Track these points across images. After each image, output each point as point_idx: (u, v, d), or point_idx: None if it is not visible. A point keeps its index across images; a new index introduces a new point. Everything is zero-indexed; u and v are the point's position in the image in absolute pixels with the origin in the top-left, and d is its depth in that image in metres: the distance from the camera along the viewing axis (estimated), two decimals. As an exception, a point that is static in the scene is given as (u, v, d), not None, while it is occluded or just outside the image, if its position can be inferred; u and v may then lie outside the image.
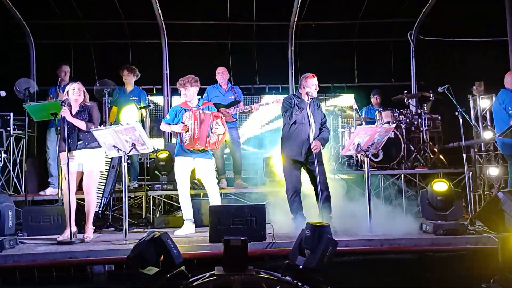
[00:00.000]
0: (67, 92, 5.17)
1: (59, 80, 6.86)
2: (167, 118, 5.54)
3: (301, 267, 3.33)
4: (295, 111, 5.29)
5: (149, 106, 6.65)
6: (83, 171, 5.14)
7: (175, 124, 5.37)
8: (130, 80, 6.98)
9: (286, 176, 5.46)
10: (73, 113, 5.13)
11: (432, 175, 6.84)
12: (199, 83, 5.51)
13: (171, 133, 8.99)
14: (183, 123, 5.31)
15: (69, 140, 5.01)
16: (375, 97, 8.20)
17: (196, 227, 5.47)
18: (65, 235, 4.98)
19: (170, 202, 6.89)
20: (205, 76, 6.35)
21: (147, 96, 9.08)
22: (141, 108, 6.57)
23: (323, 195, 5.21)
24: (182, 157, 5.39)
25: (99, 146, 5.01)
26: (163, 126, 5.56)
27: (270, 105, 6.66)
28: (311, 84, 5.41)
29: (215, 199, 5.40)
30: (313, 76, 5.48)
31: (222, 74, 6.77)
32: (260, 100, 8.90)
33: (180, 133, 5.34)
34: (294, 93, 5.79)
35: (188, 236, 5.21)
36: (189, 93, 5.41)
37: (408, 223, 5.34)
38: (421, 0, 8.76)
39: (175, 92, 9.24)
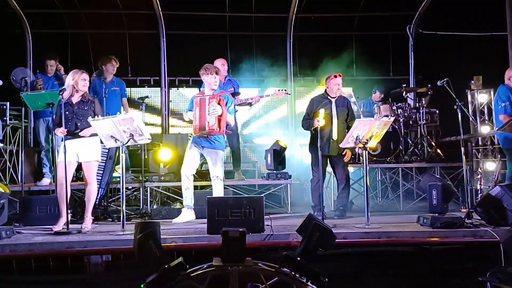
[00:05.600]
0: (77, 82, 5.05)
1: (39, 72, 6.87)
2: (187, 108, 5.62)
3: (296, 256, 3.34)
4: (313, 123, 5.59)
5: (147, 97, 6.61)
6: (81, 162, 5.09)
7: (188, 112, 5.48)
8: (112, 71, 6.90)
9: (313, 167, 5.86)
10: (75, 101, 5.10)
11: (429, 169, 6.88)
12: (219, 74, 5.57)
13: (168, 123, 9.02)
14: (191, 110, 5.38)
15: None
16: (377, 93, 8.18)
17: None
18: (60, 225, 4.96)
19: (167, 193, 6.87)
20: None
21: (145, 87, 9.17)
22: (139, 98, 6.53)
23: (339, 186, 5.83)
24: (193, 143, 5.45)
25: (96, 135, 4.99)
26: (184, 116, 5.76)
27: (270, 97, 6.63)
28: (333, 84, 5.78)
29: (215, 192, 5.38)
30: (335, 76, 5.78)
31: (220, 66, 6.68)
32: (259, 93, 8.84)
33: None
34: (322, 93, 6.02)
35: (186, 227, 5.19)
36: (208, 79, 5.36)
37: (405, 216, 5.33)
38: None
39: (172, 83, 9.23)
